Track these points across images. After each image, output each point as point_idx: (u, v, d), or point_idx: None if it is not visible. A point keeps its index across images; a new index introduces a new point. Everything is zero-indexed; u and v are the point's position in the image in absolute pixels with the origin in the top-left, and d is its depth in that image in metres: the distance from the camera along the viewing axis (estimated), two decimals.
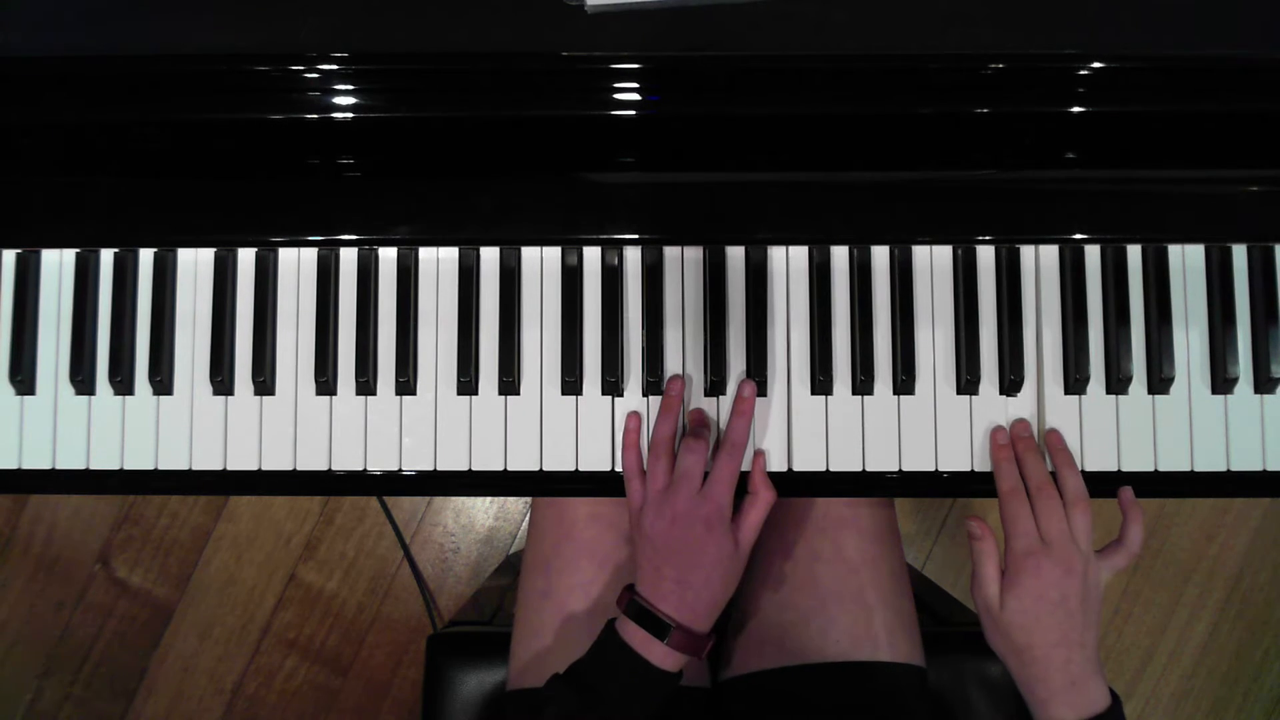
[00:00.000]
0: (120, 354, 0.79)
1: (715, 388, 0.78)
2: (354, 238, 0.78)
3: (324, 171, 0.78)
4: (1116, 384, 0.77)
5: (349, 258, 0.79)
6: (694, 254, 0.79)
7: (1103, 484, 0.77)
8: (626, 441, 0.76)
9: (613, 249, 0.79)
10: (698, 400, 0.79)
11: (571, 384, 0.78)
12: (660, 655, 0.70)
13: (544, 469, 0.78)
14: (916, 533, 1.54)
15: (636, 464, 0.76)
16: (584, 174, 0.78)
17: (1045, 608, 0.70)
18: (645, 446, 0.77)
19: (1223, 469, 0.77)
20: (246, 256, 0.80)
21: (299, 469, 0.78)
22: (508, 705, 0.89)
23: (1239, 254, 0.78)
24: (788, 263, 0.79)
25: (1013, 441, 0.76)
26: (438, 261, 0.79)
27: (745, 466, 0.76)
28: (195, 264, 0.80)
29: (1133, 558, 0.74)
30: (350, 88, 0.74)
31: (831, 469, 0.78)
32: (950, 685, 0.97)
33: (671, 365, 0.78)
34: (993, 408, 0.78)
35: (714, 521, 0.71)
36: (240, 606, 1.53)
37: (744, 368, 0.78)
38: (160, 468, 0.79)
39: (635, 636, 0.71)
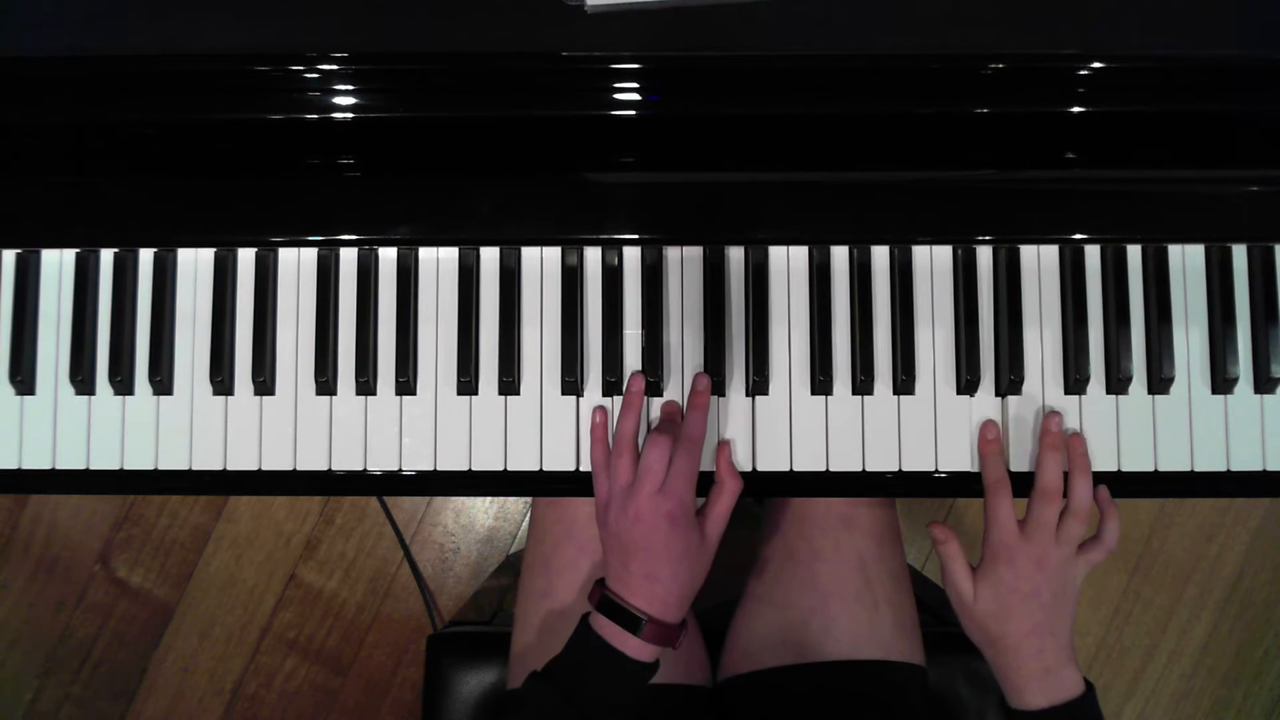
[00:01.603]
0: (120, 354, 0.79)
1: (715, 388, 0.78)
2: (354, 237, 0.78)
3: (324, 171, 0.78)
4: (1116, 384, 0.77)
5: (349, 257, 0.79)
6: (694, 254, 0.79)
7: (1102, 484, 0.76)
8: (594, 436, 0.77)
9: (613, 249, 0.79)
10: None
11: (571, 384, 0.78)
12: (635, 647, 0.71)
13: (544, 469, 0.78)
14: (917, 533, 1.53)
15: (604, 458, 0.76)
16: (584, 174, 0.78)
17: (1017, 600, 0.72)
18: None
19: (1223, 469, 0.77)
20: (246, 256, 0.79)
21: (299, 469, 0.78)
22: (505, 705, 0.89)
23: (1239, 254, 0.78)
24: (788, 263, 0.79)
25: (1042, 436, 0.76)
26: (438, 261, 0.79)
27: (709, 466, 0.76)
28: (195, 264, 0.80)
29: (1108, 553, 0.75)
30: (350, 88, 0.74)
31: (831, 469, 0.78)
32: (950, 685, 0.97)
33: (672, 365, 0.78)
34: (992, 408, 0.78)
35: (677, 517, 0.71)
36: (240, 606, 1.53)
37: (744, 368, 0.78)
38: (160, 468, 0.79)
39: (608, 630, 0.71)
